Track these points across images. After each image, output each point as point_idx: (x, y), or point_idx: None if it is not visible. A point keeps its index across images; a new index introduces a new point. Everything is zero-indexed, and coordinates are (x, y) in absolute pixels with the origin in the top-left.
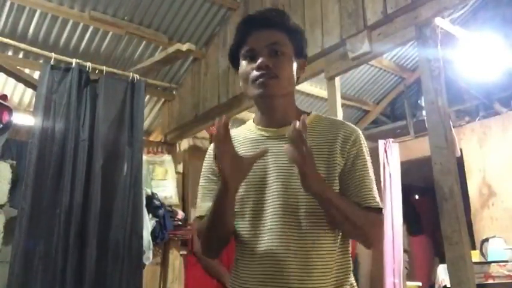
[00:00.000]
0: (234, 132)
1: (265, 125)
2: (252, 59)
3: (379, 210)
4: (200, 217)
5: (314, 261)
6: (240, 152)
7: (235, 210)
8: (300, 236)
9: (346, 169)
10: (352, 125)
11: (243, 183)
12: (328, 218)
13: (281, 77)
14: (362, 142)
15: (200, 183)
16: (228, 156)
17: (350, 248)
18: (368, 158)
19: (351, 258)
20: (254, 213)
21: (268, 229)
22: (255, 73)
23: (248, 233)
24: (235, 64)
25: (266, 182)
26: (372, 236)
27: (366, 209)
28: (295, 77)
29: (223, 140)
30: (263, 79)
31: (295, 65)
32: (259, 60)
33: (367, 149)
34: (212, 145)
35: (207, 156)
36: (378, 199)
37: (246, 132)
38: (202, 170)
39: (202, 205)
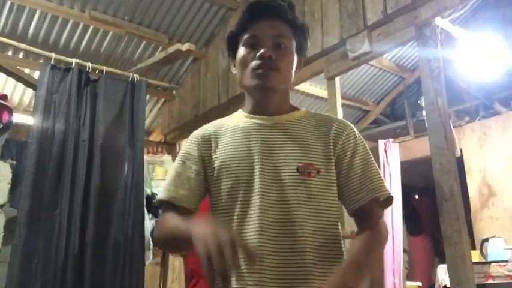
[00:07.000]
0: (221, 121)
1: (257, 113)
2: (253, 47)
3: (388, 200)
4: (165, 202)
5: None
6: (228, 140)
7: (223, 204)
8: (292, 236)
9: (344, 166)
10: (345, 121)
11: (231, 173)
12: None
13: (282, 70)
14: (357, 136)
15: (174, 167)
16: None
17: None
18: (367, 150)
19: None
20: (241, 209)
21: (256, 227)
22: (255, 62)
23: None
24: (232, 49)
25: (253, 173)
26: (385, 242)
27: (373, 202)
28: (293, 73)
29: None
30: (263, 70)
31: (295, 61)
32: (262, 50)
33: (364, 142)
34: (196, 132)
35: (188, 142)
36: (386, 186)
37: (234, 121)
38: (180, 153)
39: (171, 188)
